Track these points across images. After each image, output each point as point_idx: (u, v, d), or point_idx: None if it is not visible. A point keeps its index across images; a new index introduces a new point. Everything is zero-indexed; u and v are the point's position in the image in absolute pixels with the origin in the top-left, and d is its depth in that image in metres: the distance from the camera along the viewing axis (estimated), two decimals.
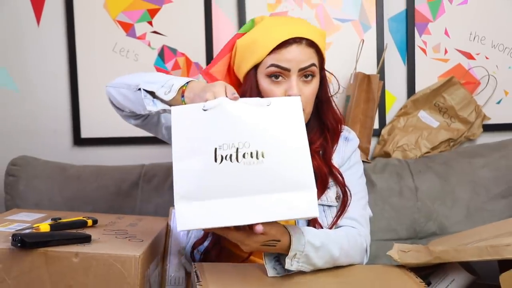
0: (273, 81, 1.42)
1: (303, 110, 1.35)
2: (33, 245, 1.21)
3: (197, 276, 1.22)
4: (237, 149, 1.16)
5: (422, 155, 2.09)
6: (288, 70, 1.41)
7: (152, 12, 2.10)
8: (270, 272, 1.25)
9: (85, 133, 2.15)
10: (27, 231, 1.34)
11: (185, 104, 1.29)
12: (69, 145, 2.16)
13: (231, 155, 1.16)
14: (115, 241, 1.34)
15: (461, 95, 2.10)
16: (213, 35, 2.10)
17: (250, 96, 1.42)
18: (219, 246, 1.49)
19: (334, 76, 1.61)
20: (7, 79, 2.14)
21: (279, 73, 1.41)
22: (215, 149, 1.17)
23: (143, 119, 1.51)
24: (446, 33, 2.13)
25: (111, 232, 1.42)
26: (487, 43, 2.13)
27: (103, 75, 2.12)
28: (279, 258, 1.28)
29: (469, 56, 2.14)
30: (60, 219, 1.46)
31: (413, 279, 1.27)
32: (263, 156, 1.16)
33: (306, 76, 1.43)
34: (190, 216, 1.15)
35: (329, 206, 1.47)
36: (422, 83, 2.14)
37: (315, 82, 1.46)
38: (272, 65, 1.41)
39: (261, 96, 1.42)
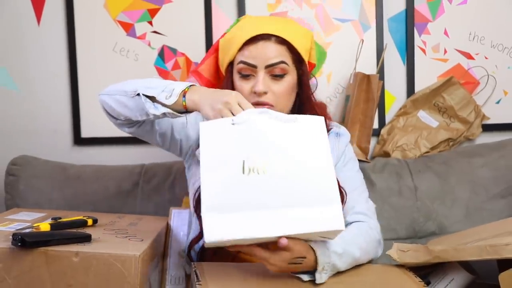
0: (243, 77, 1.45)
1: (273, 106, 1.42)
2: (33, 245, 1.21)
3: (197, 276, 1.22)
4: (264, 162, 1.17)
5: (422, 154, 2.09)
6: (254, 66, 1.42)
7: (152, 12, 2.11)
8: (305, 277, 1.24)
9: (85, 133, 2.15)
10: (27, 230, 1.34)
11: (186, 106, 1.30)
12: (69, 144, 2.17)
13: (258, 168, 1.17)
14: (115, 241, 1.34)
15: (460, 95, 2.11)
16: (213, 35, 2.10)
17: (226, 89, 1.45)
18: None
19: (315, 77, 1.63)
20: (7, 78, 2.14)
21: (248, 71, 1.44)
22: (243, 161, 1.17)
23: (137, 126, 1.49)
24: (445, 33, 2.13)
25: (111, 232, 1.43)
26: (487, 43, 2.13)
27: (103, 75, 2.12)
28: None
29: (469, 56, 2.14)
30: (60, 218, 1.46)
31: (412, 278, 1.27)
32: (288, 172, 1.17)
33: (275, 75, 1.43)
34: (218, 227, 1.14)
35: None
36: (422, 83, 2.14)
37: (288, 80, 1.45)
38: (240, 62, 1.44)
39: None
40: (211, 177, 1.16)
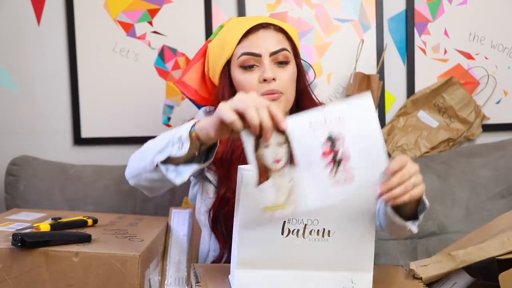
0: (247, 69, 1.41)
1: (283, 94, 1.39)
2: (33, 245, 1.21)
3: (196, 277, 1.22)
4: (305, 225, 1.14)
5: (422, 155, 2.09)
6: (259, 55, 1.40)
7: (152, 12, 2.11)
8: (414, 229, 1.24)
9: (85, 133, 2.15)
10: (28, 230, 1.34)
11: (198, 137, 1.16)
12: (70, 144, 2.17)
13: (298, 230, 1.14)
14: (115, 241, 1.34)
15: (460, 95, 2.11)
16: None
17: (223, 94, 1.41)
18: None
19: (311, 66, 1.59)
20: (7, 79, 2.14)
21: (251, 61, 1.40)
22: (284, 222, 1.13)
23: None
24: (445, 33, 2.13)
25: (111, 232, 1.43)
26: (487, 43, 2.13)
27: (103, 75, 2.12)
28: None
29: (469, 56, 2.14)
30: (60, 218, 1.46)
31: (412, 279, 1.27)
32: (329, 235, 1.14)
33: (280, 63, 1.41)
34: (249, 283, 1.14)
35: None
36: (422, 83, 2.14)
37: (291, 67, 1.44)
38: (243, 53, 1.41)
39: (235, 92, 1.39)
40: (248, 234, 1.12)
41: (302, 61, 1.51)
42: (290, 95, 1.43)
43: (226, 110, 1.04)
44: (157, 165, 1.21)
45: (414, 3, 2.11)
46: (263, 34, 1.41)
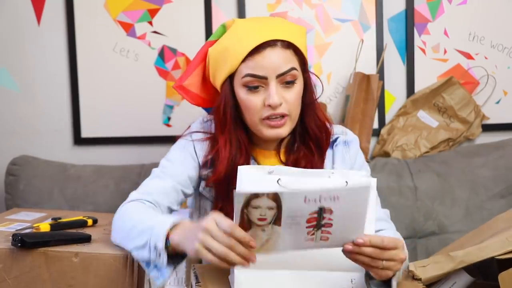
0: (251, 90, 1.31)
1: (289, 115, 1.33)
2: (33, 245, 1.21)
3: (196, 277, 1.22)
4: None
5: (422, 154, 2.09)
6: (265, 78, 1.29)
7: (152, 12, 2.11)
8: None
9: (85, 133, 2.15)
10: (27, 230, 1.34)
11: (174, 250, 1.15)
12: (70, 144, 2.17)
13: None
14: None
15: (460, 95, 2.11)
16: None
17: (225, 107, 1.34)
18: None
19: (319, 79, 1.46)
20: (7, 79, 2.14)
21: (256, 83, 1.30)
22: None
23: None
24: (445, 33, 2.13)
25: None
26: (486, 43, 2.13)
27: (103, 75, 2.13)
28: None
29: (468, 56, 2.14)
30: (60, 218, 1.46)
31: (412, 281, 1.27)
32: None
33: (287, 82, 1.31)
34: (249, 283, 1.14)
35: None
36: (422, 83, 2.14)
37: (298, 85, 1.34)
38: (247, 74, 1.30)
39: (238, 106, 1.35)
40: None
41: (310, 73, 1.41)
42: (295, 114, 1.35)
43: (204, 255, 1.03)
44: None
45: (414, 3, 2.11)
46: (269, 53, 1.29)
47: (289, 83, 1.31)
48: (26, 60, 2.14)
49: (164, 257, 1.13)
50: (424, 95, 2.12)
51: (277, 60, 1.29)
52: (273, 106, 1.29)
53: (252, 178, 1.13)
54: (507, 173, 1.97)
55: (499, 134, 2.14)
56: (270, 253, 1.06)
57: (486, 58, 2.14)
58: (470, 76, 2.14)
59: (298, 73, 1.33)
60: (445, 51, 2.14)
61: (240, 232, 1.01)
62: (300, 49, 1.34)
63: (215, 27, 2.10)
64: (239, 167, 1.09)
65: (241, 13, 2.09)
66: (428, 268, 1.29)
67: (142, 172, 2.00)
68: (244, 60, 1.30)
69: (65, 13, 2.11)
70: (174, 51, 2.11)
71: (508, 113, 2.16)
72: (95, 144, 2.16)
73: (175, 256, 1.17)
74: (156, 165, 2.02)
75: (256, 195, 0.98)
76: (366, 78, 2.04)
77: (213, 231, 1.03)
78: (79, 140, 2.15)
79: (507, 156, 1.99)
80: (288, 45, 1.31)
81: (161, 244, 1.13)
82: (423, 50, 2.14)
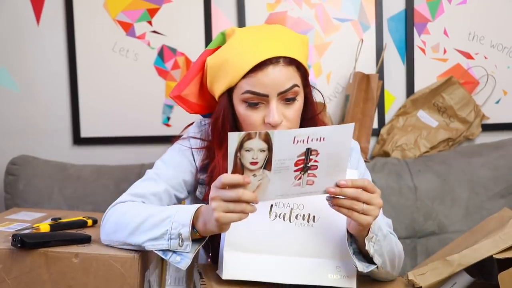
0: (251, 106, 1.27)
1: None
2: (33, 246, 1.21)
3: (200, 275, 1.22)
4: (292, 209, 1.19)
5: (421, 154, 2.09)
6: (266, 96, 1.25)
7: (152, 12, 2.10)
8: (360, 267, 1.20)
9: (84, 133, 2.15)
10: (27, 231, 1.34)
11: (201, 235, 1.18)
12: (69, 144, 2.17)
13: (284, 214, 1.19)
14: None
15: (460, 94, 2.11)
16: (212, 35, 2.10)
17: (223, 120, 1.31)
18: None
19: (321, 93, 1.42)
20: (7, 78, 2.14)
21: (256, 100, 1.26)
22: (271, 205, 1.19)
23: None
24: (445, 33, 2.13)
25: None
26: (486, 43, 2.13)
27: (103, 75, 2.13)
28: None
29: (468, 56, 2.14)
30: (60, 218, 1.46)
31: (412, 283, 1.27)
32: (314, 221, 1.19)
33: (288, 99, 1.27)
34: (237, 266, 1.17)
35: None
36: (421, 83, 2.14)
37: (299, 102, 1.30)
38: (248, 91, 1.25)
39: (237, 119, 1.32)
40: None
41: (312, 88, 1.37)
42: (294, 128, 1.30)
43: (228, 218, 1.08)
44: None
45: (414, 3, 2.11)
46: (272, 71, 1.24)
47: (290, 100, 1.27)
48: (26, 60, 2.14)
49: (189, 244, 1.17)
50: (423, 95, 2.12)
51: (279, 78, 1.24)
52: (273, 124, 1.25)
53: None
54: (507, 173, 1.97)
55: (499, 134, 2.14)
56: (260, 199, 1.09)
57: (485, 57, 2.14)
58: (470, 75, 2.14)
59: (300, 90, 1.29)
60: (445, 51, 2.14)
61: (232, 177, 1.06)
62: (303, 64, 1.30)
63: (215, 26, 2.10)
64: (229, 133, 1.06)
65: (241, 13, 2.09)
66: (427, 276, 1.29)
67: (142, 172, 1.99)
68: (244, 76, 1.25)
69: (64, 13, 2.11)
70: (173, 50, 2.11)
71: (508, 112, 2.16)
72: (95, 144, 2.16)
73: (193, 240, 1.19)
74: None
75: (249, 135, 1.03)
76: (366, 77, 2.04)
77: (218, 194, 1.08)
78: (78, 140, 2.15)
79: (507, 156, 1.99)
80: (290, 61, 1.26)
81: (186, 232, 1.16)
82: (423, 50, 2.14)
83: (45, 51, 2.13)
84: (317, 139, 1.06)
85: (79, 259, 1.22)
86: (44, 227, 1.36)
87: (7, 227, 1.42)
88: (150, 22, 2.11)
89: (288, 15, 2.10)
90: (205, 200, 1.39)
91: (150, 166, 2.02)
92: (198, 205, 1.19)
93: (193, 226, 1.17)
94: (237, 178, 1.06)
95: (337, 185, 1.11)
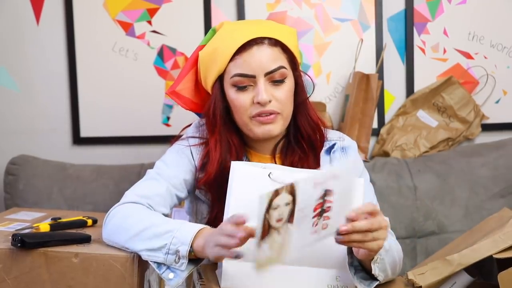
0: (240, 90, 1.31)
1: (280, 114, 1.32)
2: (33, 246, 1.21)
3: (199, 275, 1.22)
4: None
5: (421, 154, 2.09)
6: (253, 76, 1.29)
7: (152, 12, 2.10)
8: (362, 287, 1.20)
9: (84, 132, 2.15)
10: (27, 231, 1.34)
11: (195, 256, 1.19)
12: (69, 144, 2.17)
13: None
14: None
15: (459, 94, 2.11)
16: None
17: (215, 109, 1.34)
18: None
19: (310, 78, 1.44)
20: (6, 78, 2.14)
21: (245, 82, 1.30)
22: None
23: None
24: (445, 32, 2.13)
25: None
26: (486, 43, 2.13)
27: (103, 74, 2.13)
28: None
29: (468, 55, 2.14)
30: (60, 218, 1.46)
31: (412, 282, 1.27)
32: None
33: (275, 80, 1.30)
34: (236, 275, 1.16)
35: None
36: (421, 83, 2.14)
37: (288, 84, 1.33)
38: (236, 74, 1.30)
39: (229, 108, 1.35)
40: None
41: (302, 73, 1.40)
42: (287, 112, 1.34)
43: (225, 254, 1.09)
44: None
45: (414, 3, 2.11)
46: (257, 51, 1.29)
47: (278, 82, 1.31)
48: (25, 59, 2.14)
49: (185, 262, 1.17)
50: (423, 94, 2.12)
51: (264, 58, 1.29)
52: (262, 103, 1.29)
53: (244, 173, 1.15)
54: (506, 173, 1.97)
55: (498, 133, 2.14)
56: (284, 261, 1.08)
57: (485, 57, 2.14)
58: (470, 75, 2.14)
59: (288, 72, 1.32)
60: (445, 51, 2.14)
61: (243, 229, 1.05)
62: (289, 48, 1.33)
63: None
64: (232, 162, 1.11)
65: (241, 12, 2.09)
66: (427, 275, 1.29)
67: (142, 172, 2.00)
68: (232, 59, 1.30)
69: (64, 13, 2.11)
70: (173, 50, 2.11)
71: (507, 112, 2.16)
72: (94, 143, 2.16)
73: (190, 260, 1.18)
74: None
75: (277, 192, 1.00)
76: (366, 77, 2.04)
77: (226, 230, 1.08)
78: (78, 139, 2.15)
79: (506, 156, 1.99)
80: (275, 42, 1.31)
81: (185, 251, 1.16)
82: (423, 50, 2.14)
83: (45, 51, 2.13)
84: (332, 177, 1.05)
85: (79, 259, 1.22)
86: (44, 227, 1.36)
87: (7, 227, 1.42)
88: (150, 22, 2.11)
89: (288, 15, 2.10)
90: (199, 188, 1.40)
91: (150, 166, 2.03)
92: (201, 226, 1.19)
93: (192, 245, 1.16)
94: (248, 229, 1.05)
95: (348, 219, 1.08)
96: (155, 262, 1.20)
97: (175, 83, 1.44)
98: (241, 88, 1.31)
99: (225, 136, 1.36)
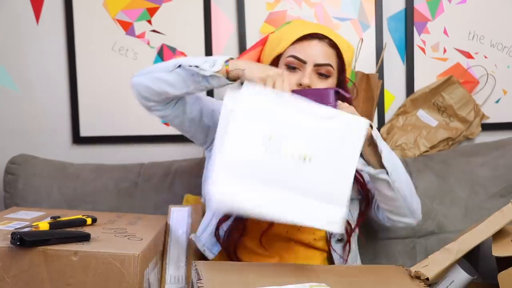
0: (289, 69, 1.48)
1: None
2: (32, 244, 1.21)
3: (198, 274, 1.22)
4: (291, 144, 1.21)
5: (421, 154, 2.09)
6: (304, 62, 1.47)
7: (152, 11, 2.10)
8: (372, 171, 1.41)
9: (84, 132, 2.15)
10: (26, 229, 1.34)
11: (229, 72, 1.35)
12: (68, 143, 2.17)
13: (280, 148, 1.20)
14: (114, 240, 1.34)
15: (460, 94, 2.11)
16: (212, 34, 2.10)
17: None
18: (242, 225, 1.51)
19: (355, 85, 1.65)
20: (6, 77, 2.14)
21: (296, 64, 1.48)
22: (268, 136, 1.20)
23: (171, 107, 1.50)
24: (445, 32, 2.13)
25: (110, 231, 1.43)
26: (486, 42, 2.13)
27: (102, 74, 2.12)
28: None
29: (468, 55, 2.14)
30: (59, 217, 1.46)
31: (412, 279, 1.27)
32: (310, 160, 1.20)
33: (321, 73, 1.48)
34: (229, 191, 1.17)
35: (351, 199, 1.43)
36: (421, 82, 2.14)
37: (331, 82, 1.50)
38: (291, 55, 1.48)
39: None
40: (237, 140, 1.17)
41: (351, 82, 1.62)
42: None
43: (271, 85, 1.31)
44: (179, 67, 1.39)
45: (414, 2, 2.11)
46: (315, 45, 1.48)
47: (323, 76, 1.49)
48: (25, 59, 2.13)
49: (218, 67, 1.35)
50: (423, 94, 2.12)
51: (319, 52, 1.48)
52: (303, 85, 1.46)
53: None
54: (506, 173, 1.97)
55: (498, 133, 2.14)
56: None
57: (485, 57, 2.14)
58: (470, 75, 2.14)
59: (333, 71, 1.50)
60: (445, 50, 2.14)
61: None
62: (343, 56, 1.52)
63: (214, 25, 2.10)
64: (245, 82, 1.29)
65: (240, 12, 2.09)
66: (430, 267, 1.29)
67: (141, 171, 2.00)
68: (293, 44, 1.49)
69: (64, 12, 2.11)
70: (173, 50, 2.11)
71: (507, 112, 2.16)
72: (94, 143, 2.15)
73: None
74: (155, 164, 2.04)
75: None
76: (366, 77, 2.04)
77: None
78: (78, 139, 2.15)
79: (506, 156, 1.99)
80: (334, 45, 1.50)
81: (221, 60, 1.36)
82: (423, 49, 2.14)
83: (44, 50, 2.13)
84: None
85: (78, 257, 1.22)
86: (43, 225, 1.36)
87: (6, 225, 1.42)
88: (149, 21, 2.11)
89: (288, 14, 2.10)
90: None
91: (150, 165, 2.04)
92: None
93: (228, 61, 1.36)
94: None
95: None
96: (192, 66, 1.37)
97: (242, 54, 1.66)
98: (291, 67, 1.49)
99: None
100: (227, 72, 1.35)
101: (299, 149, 1.20)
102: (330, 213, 1.20)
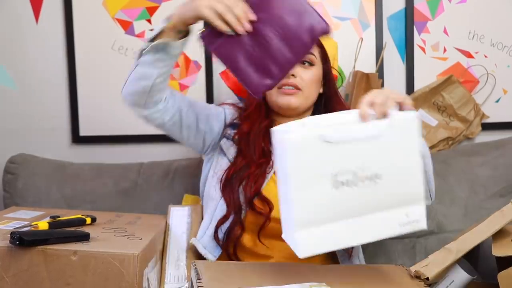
0: None
1: (301, 90, 1.55)
2: (31, 243, 1.21)
3: (197, 274, 1.22)
4: (354, 173, 1.15)
5: None
6: None
7: (151, 10, 2.10)
8: None
9: (83, 131, 2.14)
10: (26, 229, 1.34)
11: (174, 23, 1.39)
12: (68, 143, 2.16)
13: (348, 181, 1.15)
14: (113, 239, 1.34)
15: (460, 93, 2.11)
16: None
17: None
18: (241, 226, 1.52)
19: (339, 73, 1.68)
20: (5, 77, 2.14)
21: None
22: (334, 175, 1.14)
23: (167, 110, 1.55)
24: (445, 31, 2.13)
25: (110, 230, 1.42)
26: (486, 42, 2.13)
27: (102, 73, 2.12)
28: None
29: (468, 54, 2.14)
30: (58, 217, 1.46)
31: (413, 279, 1.27)
32: (379, 178, 1.16)
33: (304, 61, 1.55)
34: (310, 243, 1.15)
35: None
36: (421, 82, 2.14)
37: (315, 70, 1.57)
38: None
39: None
40: (302, 195, 1.12)
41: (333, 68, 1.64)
42: (309, 94, 1.58)
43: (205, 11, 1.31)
44: (141, 55, 1.47)
45: (414, 2, 2.11)
46: None
47: (306, 63, 1.56)
48: (24, 58, 2.13)
49: (161, 25, 1.40)
50: (423, 93, 2.12)
51: None
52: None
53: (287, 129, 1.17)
54: (506, 172, 1.97)
55: (498, 133, 2.14)
56: None
57: (485, 56, 2.14)
58: (470, 74, 2.14)
59: (317, 61, 1.58)
60: (445, 50, 2.14)
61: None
62: (324, 46, 1.58)
63: None
64: (272, 128, 1.18)
65: None
66: (430, 267, 1.29)
67: (141, 171, 2.00)
68: None
69: (63, 11, 2.11)
70: None
71: (507, 111, 2.16)
72: (94, 142, 2.15)
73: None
74: (154, 164, 2.03)
75: None
76: (366, 76, 2.04)
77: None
78: (77, 138, 2.15)
79: (506, 155, 1.99)
80: None
81: (162, 21, 1.40)
82: (423, 49, 2.13)
83: (44, 50, 2.13)
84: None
85: (78, 256, 1.22)
86: (43, 225, 1.35)
87: (6, 225, 1.42)
88: (149, 21, 2.11)
89: None
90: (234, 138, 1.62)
91: (149, 164, 2.04)
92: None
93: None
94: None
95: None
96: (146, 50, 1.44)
97: None
98: None
99: (258, 114, 1.61)
100: (174, 28, 1.39)
101: (366, 173, 1.15)
102: (410, 214, 1.18)
